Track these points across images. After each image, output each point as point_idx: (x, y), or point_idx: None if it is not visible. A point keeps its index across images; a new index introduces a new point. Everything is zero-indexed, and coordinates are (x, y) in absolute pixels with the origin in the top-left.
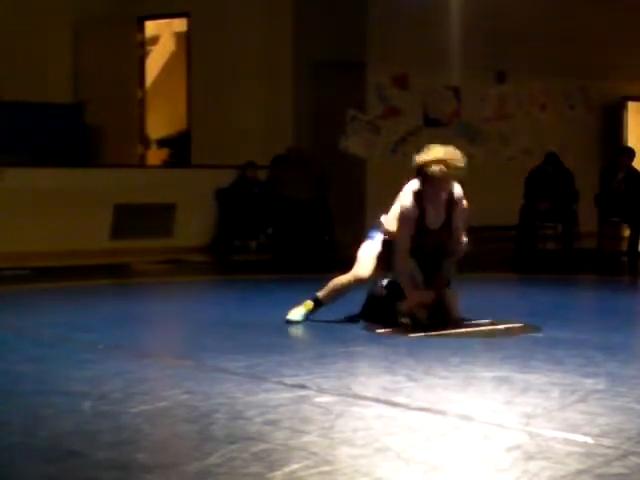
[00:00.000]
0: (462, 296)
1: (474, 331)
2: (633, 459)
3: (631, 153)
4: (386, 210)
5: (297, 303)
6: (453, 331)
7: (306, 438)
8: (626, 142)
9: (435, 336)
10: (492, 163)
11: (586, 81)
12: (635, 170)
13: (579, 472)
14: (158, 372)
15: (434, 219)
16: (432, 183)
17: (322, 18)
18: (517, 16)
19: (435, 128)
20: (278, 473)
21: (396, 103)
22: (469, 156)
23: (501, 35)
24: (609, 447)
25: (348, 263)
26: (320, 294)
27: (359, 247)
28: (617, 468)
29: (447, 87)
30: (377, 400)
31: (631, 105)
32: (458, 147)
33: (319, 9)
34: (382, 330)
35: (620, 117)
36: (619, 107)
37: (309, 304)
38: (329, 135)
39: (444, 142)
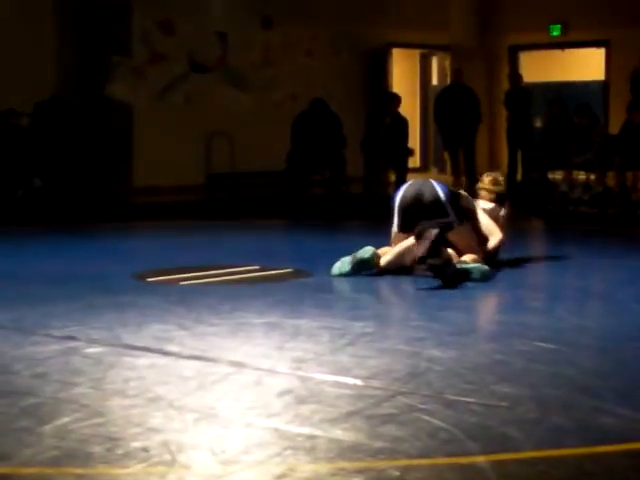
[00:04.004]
0: (231, 242)
1: (243, 277)
2: (401, 399)
3: (397, 99)
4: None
5: (71, 254)
6: (223, 278)
7: (76, 390)
8: (391, 88)
9: (205, 284)
10: (259, 109)
11: (351, 27)
12: (401, 116)
13: (350, 414)
14: None
15: None
16: None
17: None
18: None
19: (202, 74)
20: (48, 427)
21: (162, 49)
22: (236, 102)
23: None
24: (378, 388)
25: (119, 211)
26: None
27: (131, 193)
28: (386, 409)
29: (213, 33)
30: (148, 350)
31: (396, 51)
32: (225, 93)
33: None
34: (153, 279)
35: (385, 63)
36: (384, 53)
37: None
38: (94, 81)
39: (211, 88)
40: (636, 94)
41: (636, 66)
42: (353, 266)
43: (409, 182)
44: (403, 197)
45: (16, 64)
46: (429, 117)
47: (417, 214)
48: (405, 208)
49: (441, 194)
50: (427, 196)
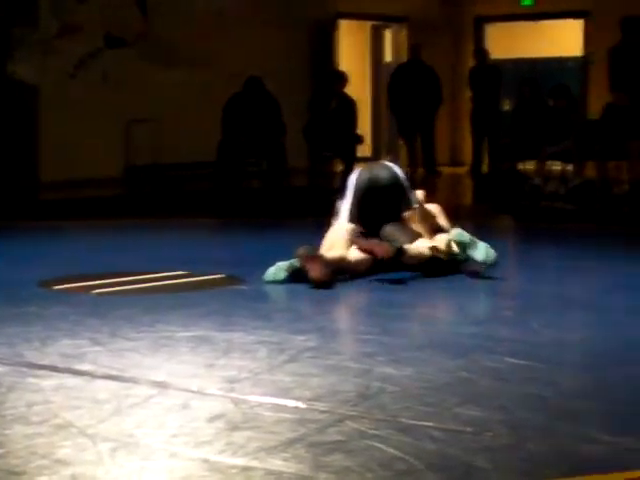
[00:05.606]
0: (154, 244)
1: (167, 285)
2: (350, 424)
3: (344, 78)
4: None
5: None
6: (143, 286)
7: None
8: (338, 66)
9: (122, 293)
10: (187, 90)
11: None
12: (348, 97)
13: (291, 441)
14: None
15: None
16: None
17: None
18: None
19: (119, 49)
20: None
21: (75, 18)
22: (160, 83)
23: None
24: (323, 412)
25: (22, 208)
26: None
27: (37, 188)
28: (333, 435)
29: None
30: (55, 369)
31: (344, 23)
32: (146, 71)
33: None
34: (61, 287)
35: (331, 37)
36: (330, 25)
37: None
38: None
39: (130, 65)
40: (616, 73)
41: (617, 42)
42: (290, 273)
43: (360, 168)
44: (357, 183)
45: None
46: (381, 99)
47: (374, 199)
48: (360, 195)
49: (399, 173)
50: (384, 177)
